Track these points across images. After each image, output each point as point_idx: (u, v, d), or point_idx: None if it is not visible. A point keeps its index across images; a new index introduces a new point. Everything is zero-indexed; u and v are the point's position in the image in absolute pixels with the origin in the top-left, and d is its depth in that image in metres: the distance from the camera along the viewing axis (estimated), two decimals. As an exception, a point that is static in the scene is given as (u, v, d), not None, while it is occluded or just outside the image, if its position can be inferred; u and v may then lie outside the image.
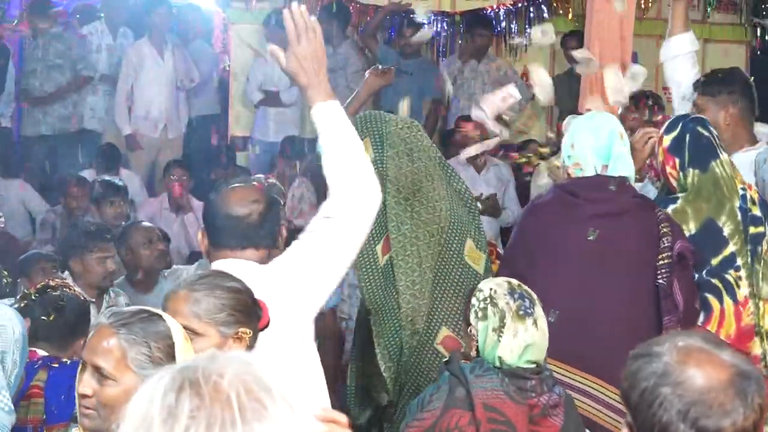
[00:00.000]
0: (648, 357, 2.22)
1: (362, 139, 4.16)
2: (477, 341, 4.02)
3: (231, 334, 3.35)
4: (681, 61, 5.87)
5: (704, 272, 4.75)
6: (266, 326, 3.51)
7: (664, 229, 4.53)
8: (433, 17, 10.65)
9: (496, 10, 10.80)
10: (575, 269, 4.52)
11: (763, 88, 11.52)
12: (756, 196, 4.81)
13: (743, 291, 4.71)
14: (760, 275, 4.73)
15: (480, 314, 4.01)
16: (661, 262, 4.50)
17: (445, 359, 4.18)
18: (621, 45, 6.83)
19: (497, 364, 3.94)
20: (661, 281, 4.49)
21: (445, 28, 10.80)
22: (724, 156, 4.86)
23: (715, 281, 4.74)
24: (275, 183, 6.94)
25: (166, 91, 10.28)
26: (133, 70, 10.16)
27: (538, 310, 4.01)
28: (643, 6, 10.35)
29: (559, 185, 4.80)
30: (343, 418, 2.00)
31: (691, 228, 4.80)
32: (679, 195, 4.84)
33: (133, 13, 10.78)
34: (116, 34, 10.59)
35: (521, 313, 3.95)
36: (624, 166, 4.69)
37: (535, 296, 4.04)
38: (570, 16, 10.78)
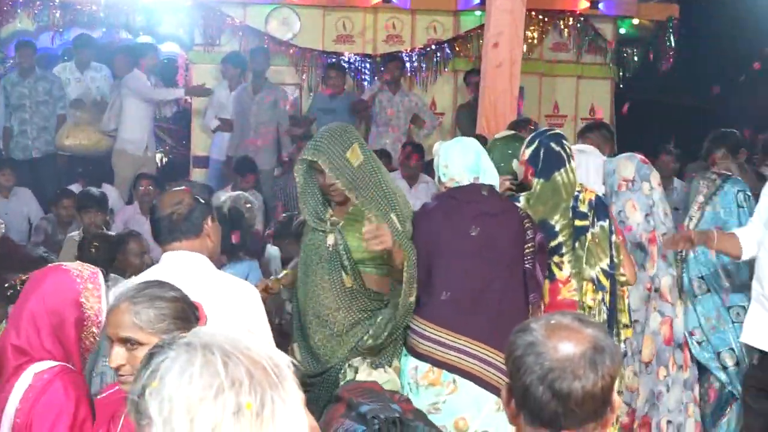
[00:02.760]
0: (523, 331, 2.20)
1: (352, 145, 4.56)
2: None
3: None
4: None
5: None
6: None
7: (527, 224, 4.75)
8: (357, 59, 10.99)
9: (409, 53, 11.08)
10: (462, 259, 4.66)
11: (622, 116, 11.89)
12: (589, 196, 5.01)
13: (565, 272, 4.96)
14: (583, 260, 4.94)
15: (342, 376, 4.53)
16: (527, 251, 4.73)
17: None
18: (510, 82, 7.18)
19: None
20: (527, 265, 4.72)
21: (368, 68, 11.03)
22: (571, 165, 5.04)
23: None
24: (240, 194, 7.11)
25: (148, 118, 10.46)
26: (120, 99, 10.33)
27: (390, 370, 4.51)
28: (529, 49, 10.59)
29: (442, 194, 4.87)
30: None
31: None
32: (521, 197, 5.03)
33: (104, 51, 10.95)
34: (84, 70, 10.74)
35: (374, 366, 4.44)
36: (491, 177, 4.85)
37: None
38: (469, 57, 11.06)
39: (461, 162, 4.82)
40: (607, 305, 4.94)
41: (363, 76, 11.01)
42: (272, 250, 7.03)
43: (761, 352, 5.05)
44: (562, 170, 5.01)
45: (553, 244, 4.96)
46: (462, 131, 10.61)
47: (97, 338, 3.40)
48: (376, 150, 9.62)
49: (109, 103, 10.39)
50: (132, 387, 1.79)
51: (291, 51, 10.89)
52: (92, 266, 3.51)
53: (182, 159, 11.48)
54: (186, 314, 3.01)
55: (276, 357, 1.75)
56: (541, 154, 5.04)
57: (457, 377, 4.56)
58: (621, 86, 11.69)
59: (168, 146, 11.63)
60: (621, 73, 11.62)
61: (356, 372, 4.35)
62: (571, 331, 2.17)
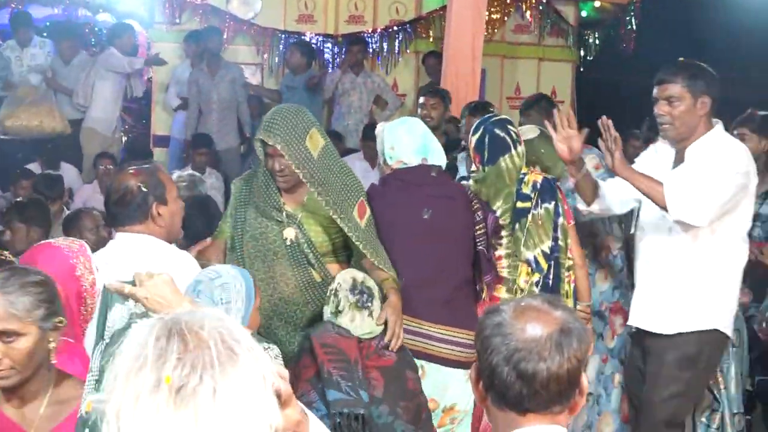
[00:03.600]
0: (493, 312, 2.21)
1: (309, 130, 4.36)
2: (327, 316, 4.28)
3: (50, 327, 2.93)
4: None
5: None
6: None
7: (476, 206, 4.76)
8: (320, 39, 10.93)
9: (371, 34, 11.00)
10: (416, 242, 4.62)
11: (583, 96, 11.94)
12: (535, 178, 4.92)
13: (498, 252, 4.91)
14: (521, 242, 4.89)
15: (326, 301, 4.28)
16: (478, 232, 4.73)
17: None
18: (472, 63, 7.17)
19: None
20: (480, 247, 4.73)
21: (330, 47, 10.97)
22: (517, 150, 4.96)
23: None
24: (194, 174, 7.02)
25: (120, 99, 10.38)
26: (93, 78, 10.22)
27: (376, 303, 4.21)
28: (490, 30, 10.60)
29: (389, 175, 4.77)
30: (285, 373, 1.92)
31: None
32: (469, 182, 5.00)
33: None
34: (24, 47, 10.46)
35: (359, 305, 4.20)
36: (439, 158, 4.83)
37: (375, 290, 4.23)
38: (431, 38, 11.00)
39: (409, 143, 4.78)
40: (544, 288, 4.88)
41: (325, 56, 10.95)
42: None
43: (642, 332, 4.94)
44: (507, 156, 4.94)
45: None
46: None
47: (93, 309, 3.38)
48: (335, 131, 9.69)
49: (81, 80, 10.27)
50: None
51: (252, 30, 10.81)
52: (77, 239, 3.54)
53: (143, 138, 11.37)
54: (57, 296, 2.97)
55: (233, 341, 1.75)
56: (486, 140, 4.98)
57: (424, 362, 4.53)
58: (582, 69, 11.70)
59: (128, 125, 11.49)
60: (583, 56, 11.63)
61: (338, 311, 4.19)
62: (540, 313, 2.17)
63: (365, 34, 10.92)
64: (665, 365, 4.76)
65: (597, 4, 11.51)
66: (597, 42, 11.63)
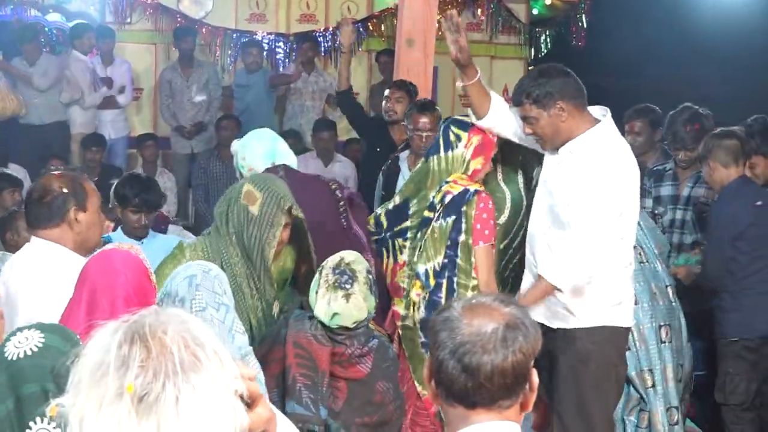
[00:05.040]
0: (443, 310, 2.24)
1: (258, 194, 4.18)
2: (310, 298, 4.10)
3: None
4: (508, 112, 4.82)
5: (388, 233, 5.06)
6: None
7: (333, 186, 4.84)
8: (272, 38, 10.89)
9: (323, 32, 10.98)
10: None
11: None
12: (453, 190, 4.79)
13: (404, 256, 4.96)
14: (416, 252, 4.88)
15: (312, 277, 4.12)
16: (340, 209, 4.80)
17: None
18: (424, 62, 7.16)
19: (319, 318, 4.02)
20: (343, 222, 4.81)
21: (282, 46, 10.94)
22: (447, 154, 4.88)
23: (390, 242, 5.05)
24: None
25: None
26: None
27: (357, 287, 3.99)
28: (443, 29, 10.57)
29: (245, 179, 4.60)
30: (253, 372, 1.89)
31: (396, 200, 5.11)
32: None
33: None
34: None
35: (336, 285, 3.98)
36: (288, 160, 4.85)
37: (360, 276, 4.02)
38: (383, 37, 11.00)
39: (257, 150, 4.84)
40: (432, 305, 4.75)
41: (277, 56, 10.92)
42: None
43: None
44: (441, 155, 4.90)
45: (402, 226, 4.97)
46: (375, 110, 10.63)
47: None
48: (289, 130, 9.65)
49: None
50: None
51: (204, 30, 10.74)
52: (131, 244, 3.52)
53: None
54: None
55: (196, 345, 1.72)
56: (440, 135, 4.97)
57: None
58: (533, 67, 11.66)
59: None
60: (534, 54, 11.62)
61: (318, 285, 4.03)
62: (488, 309, 2.19)
63: (317, 33, 10.91)
64: (558, 364, 4.63)
65: (548, 1, 11.49)
66: (548, 40, 11.66)
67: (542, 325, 4.60)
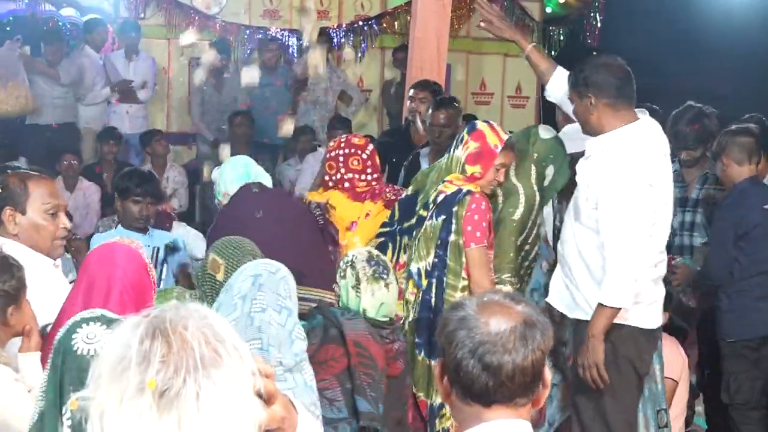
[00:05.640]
0: (456, 308, 2.24)
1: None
2: (339, 294, 4.16)
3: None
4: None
5: (398, 227, 5.08)
6: None
7: (305, 201, 5.12)
8: (286, 34, 10.87)
9: (336, 29, 10.98)
10: (257, 234, 4.41)
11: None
12: (447, 190, 4.82)
13: (405, 257, 4.99)
14: (412, 250, 4.92)
15: (341, 274, 4.16)
16: (317, 213, 4.98)
17: (314, 305, 4.26)
18: (437, 59, 7.14)
19: (366, 311, 4.08)
20: (321, 222, 4.97)
21: (295, 42, 10.91)
22: (455, 153, 4.92)
23: (398, 237, 5.05)
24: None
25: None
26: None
27: (391, 276, 4.13)
28: (456, 26, 10.58)
29: (220, 211, 5.05)
30: (271, 369, 1.89)
31: (409, 190, 5.19)
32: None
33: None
34: None
35: (375, 276, 4.08)
36: (264, 179, 5.07)
37: (390, 265, 4.18)
38: (396, 34, 10.97)
39: (230, 176, 5.06)
40: (424, 305, 4.78)
41: (290, 51, 10.89)
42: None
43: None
44: (449, 153, 4.97)
45: (410, 222, 4.98)
46: (387, 108, 10.64)
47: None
48: (304, 126, 9.65)
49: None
50: None
51: (217, 26, 10.75)
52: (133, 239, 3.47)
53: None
54: None
55: (217, 341, 1.71)
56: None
57: None
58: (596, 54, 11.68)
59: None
60: (547, 52, 11.59)
61: (357, 285, 4.07)
62: (503, 307, 2.19)
63: (330, 30, 10.89)
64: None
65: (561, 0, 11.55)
66: (562, 38, 11.66)
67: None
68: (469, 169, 4.88)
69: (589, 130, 4.59)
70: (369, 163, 5.29)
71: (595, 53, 4.94)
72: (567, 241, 4.69)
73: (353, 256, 4.17)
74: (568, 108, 4.82)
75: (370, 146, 5.38)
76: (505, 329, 2.15)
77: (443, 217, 4.78)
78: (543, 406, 4.77)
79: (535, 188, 5.12)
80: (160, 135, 9.67)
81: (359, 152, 5.29)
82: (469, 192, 4.79)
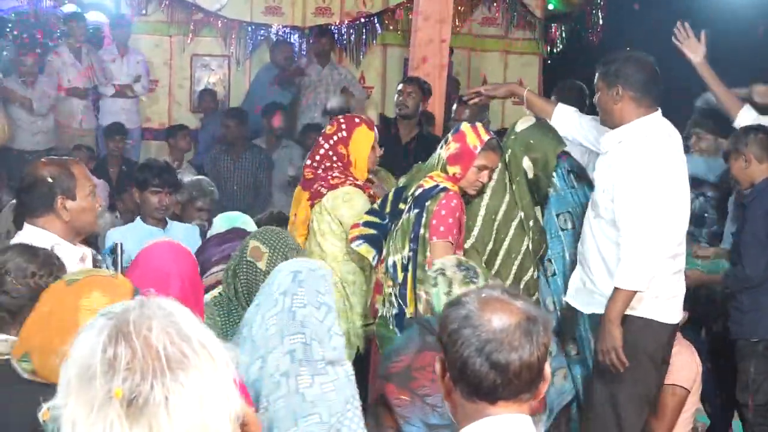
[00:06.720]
0: (456, 305, 2.23)
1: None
2: (432, 303, 4.03)
3: None
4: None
5: (388, 222, 5.06)
6: None
7: None
8: (286, 31, 10.86)
9: (339, 26, 10.97)
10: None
11: (549, 89, 11.95)
12: (424, 183, 4.85)
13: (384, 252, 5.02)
14: (389, 244, 4.92)
15: (432, 282, 4.05)
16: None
17: (410, 316, 4.36)
18: (439, 56, 7.14)
19: None
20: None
21: (297, 39, 10.94)
22: (439, 151, 4.97)
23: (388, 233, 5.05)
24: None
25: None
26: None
27: (482, 280, 4.03)
28: (456, 23, 10.62)
29: (251, 235, 5.00)
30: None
31: (402, 181, 5.20)
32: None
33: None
34: None
35: (467, 281, 3.99)
36: (251, 228, 5.02)
37: (479, 270, 4.08)
38: (398, 31, 10.98)
39: (217, 223, 5.11)
40: (401, 299, 4.79)
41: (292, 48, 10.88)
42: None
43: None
44: (437, 152, 5.00)
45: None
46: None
47: None
48: (308, 124, 9.59)
49: None
50: None
51: (219, 22, 10.74)
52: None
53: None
54: None
55: (182, 340, 1.69)
56: None
57: None
58: (548, 62, 11.69)
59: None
60: (549, 49, 11.63)
61: (450, 290, 4.01)
62: (503, 304, 2.20)
63: (332, 27, 10.86)
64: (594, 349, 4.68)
65: (563, -3, 11.54)
66: (563, 35, 11.66)
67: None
68: (450, 170, 4.89)
69: (609, 120, 4.67)
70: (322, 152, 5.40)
71: (627, 48, 5.01)
72: (586, 237, 4.76)
73: (442, 263, 4.11)
74: (576, 135, 5.07)
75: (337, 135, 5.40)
76: (510, 326, 2.16)
77: (416, 210, 4.80)
78: (543, 396, 4.74)
79: (512, 185, 5.08)
80: (186, 131, 9.66)
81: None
82: (444, 189, 4.80)
